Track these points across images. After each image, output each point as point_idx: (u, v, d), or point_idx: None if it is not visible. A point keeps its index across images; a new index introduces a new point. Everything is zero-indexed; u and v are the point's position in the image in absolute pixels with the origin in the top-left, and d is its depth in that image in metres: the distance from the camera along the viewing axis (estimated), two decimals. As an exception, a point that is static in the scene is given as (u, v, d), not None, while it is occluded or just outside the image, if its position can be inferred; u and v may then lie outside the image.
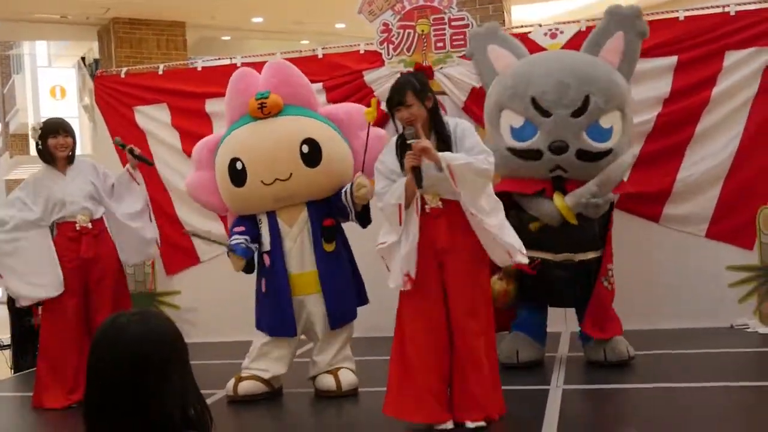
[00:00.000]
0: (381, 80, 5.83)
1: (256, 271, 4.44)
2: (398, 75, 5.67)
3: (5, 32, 14.55)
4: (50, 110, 17.85)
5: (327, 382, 4.25)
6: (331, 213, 4.27)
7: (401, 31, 5.78)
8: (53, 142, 4.47)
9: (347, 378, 4.26)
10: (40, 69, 18.55)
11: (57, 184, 4.50)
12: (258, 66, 6.15)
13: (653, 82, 5.43)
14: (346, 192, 4.18)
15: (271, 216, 4.29)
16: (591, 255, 4.45)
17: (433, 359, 3.50)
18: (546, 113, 4.38)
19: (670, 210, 5.48)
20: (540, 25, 5.67)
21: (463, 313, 3.51)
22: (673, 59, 5.42)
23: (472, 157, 3.43)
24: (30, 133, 4.61)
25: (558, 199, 4.36)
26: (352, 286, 4.38)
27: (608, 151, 4.39)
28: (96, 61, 13.99)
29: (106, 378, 1.57)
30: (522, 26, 5.90)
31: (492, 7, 6.92)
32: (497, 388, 3.60)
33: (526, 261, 3.62)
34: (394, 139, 3.65)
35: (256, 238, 4.32)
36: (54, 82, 18.10)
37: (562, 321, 5.25)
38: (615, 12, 4.64)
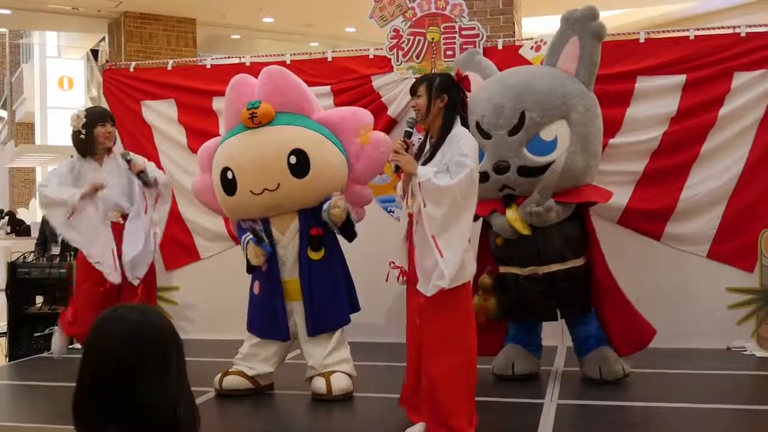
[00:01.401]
0: (389, 86, 5.84)
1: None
2: (407, 81, 5.76)
3: (17, 21, 14.57)
4: (57, 100, 17.93)
5: (319, 385, 4.25)
6: (320, 222, 4.27)
7: (411, 37, 5.79)
8: (101, 130, 4.33)
9: (339, 382, 4.25)
10: (49, 59, 18.60)
11: (94, 177, 4.40)
12: (267, 66, 6.20)
13: (661, 100, 5.44)
14: (324, 210, 4.19)
15: (265, 223, 4.33)
16: (555, 267, 4.42)
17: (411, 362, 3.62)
18: (487, 135, 4.44)
19: (672, 228, 5.47)
20: (531, 39, 5.69)
21: (430, 337, 3.49)
22: (682, 78, 5.42)
23: (439, 175, 3.46)
24: (71, 122, 4.36)
25: (510, 213, 4.40)
26: (339, 295, 4.36)
27: (548, 164, 4.34)
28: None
29: (101, 363, 1.57)
30: (531, 38, 5.90)
31: (503, 18, 6.91)
32: (464, 401, 3.50)
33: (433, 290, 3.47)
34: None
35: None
36: (62, 72, 18.18)
37: (558, 335, 5.25)
38: (568, 17, 4.55)
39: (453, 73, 3.81)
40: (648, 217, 5.45)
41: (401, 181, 3.65)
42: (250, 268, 4.37)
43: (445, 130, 3.61)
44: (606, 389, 4.36)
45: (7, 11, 12.63)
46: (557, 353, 5.22)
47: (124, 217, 4.44)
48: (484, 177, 4.35)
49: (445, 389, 3.42)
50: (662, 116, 5.43)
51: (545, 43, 5.37)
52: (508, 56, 5.54)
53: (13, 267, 6.48)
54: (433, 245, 3.40)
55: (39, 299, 6.50)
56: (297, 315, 4.35)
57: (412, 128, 3.71)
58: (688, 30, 5.61)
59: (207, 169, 4.52)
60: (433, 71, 5.66)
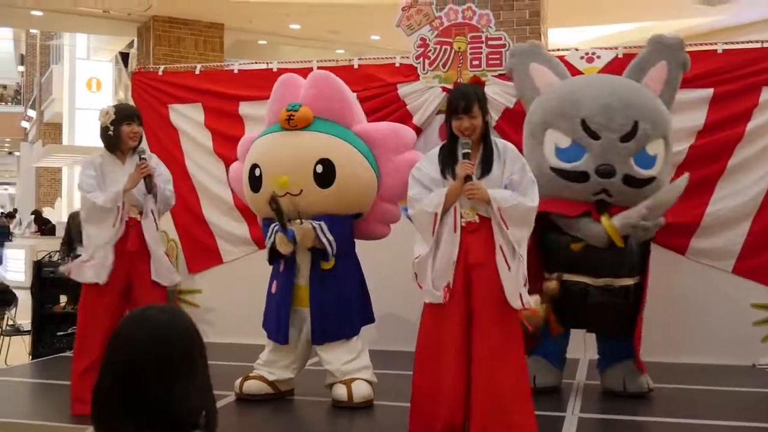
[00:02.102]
0: (414, 94, 5.85)
1: (271, 271, 4.48)
2: (433, 89, 5.77)
3: (49, 23, 14.77)
4: (85, 101, 18.10)
5: (339, 392, 4.25)
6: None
7: (438, 46, 5.80)
8: (127, 129, 4.30)
9: (360, 389, 4.24)
10: (78, 61, 18.79)
11: (116, 172, 4.35)
12: (297, 72, 6.24)
13: (688, 114, 5.39)
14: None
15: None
16: (628, 281, 4.41)
17: (445, 386, 3.46)
18: (595, 136, 4.35)
19: (698, 243, 5.43)
20: (576, 49, 5.66)
21: (487, 335, 3.44)
22: (709, 92, 5.38)
23: (520, 196, 3.44)
24: (99, 117, 4.34)
25: (605, 221, 4.30)
26: (348, 305, 4.34)
27: (652, 179, 4.38)
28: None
29: (127, 364, 1.57)
30: (558, 50, 5.89)
31: (529, 28, 6.92)
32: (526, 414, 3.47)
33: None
34: (437, 149, 3.65)
35: None
36: (91, 74, 18.36)
37: (580, 347, 5.21)
38: (659, 41, 4.65)
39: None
40: (673, 231, 5.38)
41: (443, 194, 3.50)
42: (272, 258, 4.36)
43: (488, 143, 3.55)
44: (629, 404, 4.33)
45: (39, 13, 12.81)
46: (579, 366, 5.19)
47: (142, 214, 4.37)
48: (583, 176, 4.33)
49: (515, 396, 3.40)
50: (689, 130, 5.39)
51: (598, 57, 5.36)
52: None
53: (38, 266, 6.56)
54: (520, 264, 3.42)
55: (63, 298, 6.56)
56: (306, 321, 4.35)
57: (470, 149, 3.53)
58: (716, 44, 5.56)
59: (243, 159, 4.57)
60: (458, 81, 5.67)
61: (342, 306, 4.31)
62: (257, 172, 4.33)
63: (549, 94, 4.62)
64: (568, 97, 4.50)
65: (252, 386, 4.39)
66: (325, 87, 4.37)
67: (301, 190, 4.21)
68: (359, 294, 4.43)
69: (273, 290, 4.43)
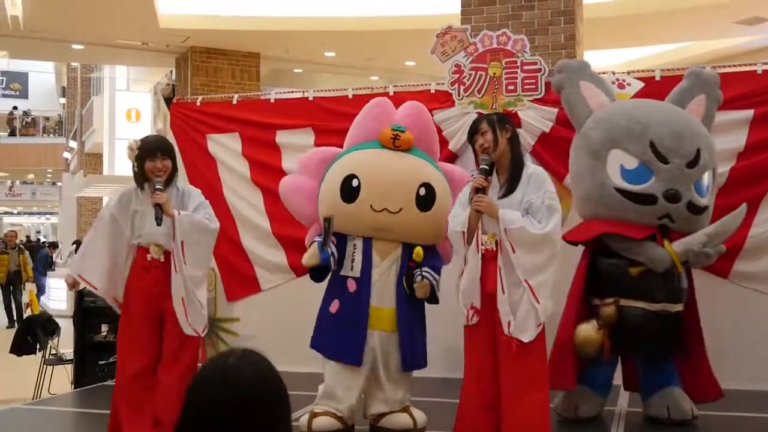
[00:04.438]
0: (450, 120, 5.85)
1: (326, 290, 4.40)
2: (468, 115, 5.76)
3: (90, 55, 15.12)
4: (125, 132, 18.41)
5: (403, 420, 4.25)
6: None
7: (473, 72, 5.80)
8: (150, 165, 4.14)
9: (420, 416, 4.30)
10: (118, 92, 19.16)
11: (143, 208, 4.21)
12: (329, 100, 6.28)
13: (728, 135, 5.32)
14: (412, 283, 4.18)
15: (367, 244, 4.28)
16: (679, 307, 4.38)
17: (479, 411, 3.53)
18: (665, 160, 4.33)
19: (741, 266, 5.33)
20: (613, 72, 5.62)
21: (511, 368, 3.49)
22: (749, 113, 5.31)
23: (530, 221, 3.44)
24: (127, 152, 4.26)
25: (669, 246, 4.28)
26: (424, 334, 4.36)
27: (706, 207, 4.43)
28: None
29: (209, 420, 1.50)
30: (604, 71, 5.86)
31: (565, 52, 6.89)
32: None
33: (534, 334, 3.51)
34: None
35: (340, 257, 4.28)
36: (130, 105, 18.70)
37: (620, 374, 5.12)
38: (699, 75, 4.69)
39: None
40: (715, 254, 5.31)
41: (467, 214, 3.59)
42: (316, 276, 4.31)
43: (517, 165, 3.59)
44: (672, 432, 4.24)
45: (80, 46, 13.10)
46: (620, 393, 5.09)
47: (166, 255, 4.16)
48: (651, 199, 4.32)
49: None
50: (730, 152, 5.31)
51: (629, 84, 5.32)
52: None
53: (80, 295, 6.65)
54: (528, 291, 3.41)
55: (104, 327, 6.63)
56: (383, 346, 4.22)
57: (490, 167, 3.62)
58: (755, 64, 5.49)
59: (312, 173, 4.50)
60: (494, 106, 5.66)
61: (422, 333, 4.33)
62: (355, 182, 4.26)
63: (613, 114, 4.56)
64: (636, 117, 4.49)
65: (322, 423, 4.19)
66: (422, 117, 4.51)
67: (401, 209, 4.24)
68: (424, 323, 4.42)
69: (333, 310, 4.30)
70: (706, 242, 4.24)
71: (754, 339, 5.26)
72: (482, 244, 3.52)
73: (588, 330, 4.22)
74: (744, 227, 5.28)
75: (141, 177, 4.22)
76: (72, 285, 4.38)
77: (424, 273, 4.14)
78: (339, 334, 4.25)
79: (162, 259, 4.18)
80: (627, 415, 4.64)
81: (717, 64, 5.92)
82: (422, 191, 4.24)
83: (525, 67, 5.70)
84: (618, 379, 5.09)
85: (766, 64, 5.47)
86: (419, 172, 4.31)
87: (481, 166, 3.60)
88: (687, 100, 4.63)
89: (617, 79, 5.46)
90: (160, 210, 4.04)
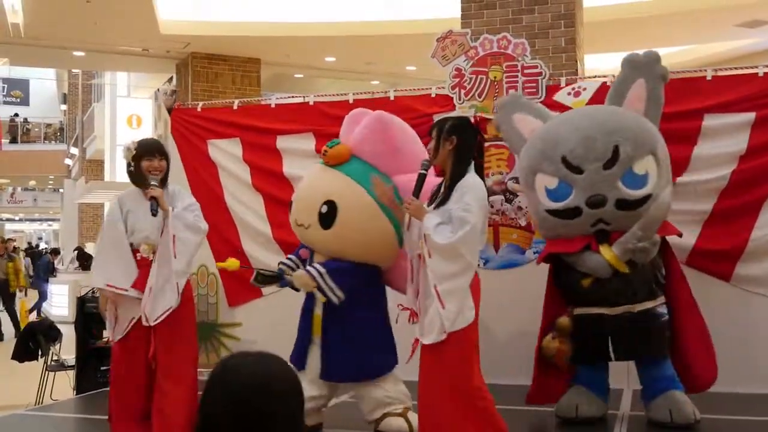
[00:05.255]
0: (451, 124, 5.84)
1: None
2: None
3: (91, 62, 15.15)
4: (126, 138, 18.43)
5: (397, 424, 4.23)
6: None
7: (474, 76, 5.81)
8: (147, 164, 4.28)
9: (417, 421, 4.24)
10: (119, 98, 19.19)
11: (135, 207, 4.33)
12: (330, 105, 6.27)
13: (729, 138, 5.32)
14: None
15: (312, 256, 4.46)
16: (649, 304, 4.37)
17: None
18: (578, 170, 4.37)
19: (742, 269, 5.31)
20: (568, 86, 5.64)
21: (430, 386, 3.58)
22: (751, 115, 5.29)
23: (439, 230, 3.51)
24: (124, 152, 4.38)
25: (605, 251, 4.31)
26: (369, 345, 4.29)
27: (647, 197, 4.34)
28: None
29: (223, 423, 1.54)
30: (595, 76, 5.87)
31: (565, 56, 6.90)
32: None
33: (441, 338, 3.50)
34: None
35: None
36: (131, 111, 18.70)
37: (624, 377, 5.12)
38: (632, 60, 4.61)
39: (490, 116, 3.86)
40: (717, 257, 5.30)
41: (408, 216, 3.71)
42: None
43: (456, 174, 3.63)
44: (675, 435, 4.22)
45: (81, 53, 13.13)
46: (623, 396, 5.09)
47: (155, 253, 4.26)
48: (575, 212, 4.35)
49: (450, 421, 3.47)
50: (731, 154, 5.30)
51: (585, 89, 5.38)
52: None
53: (81, 301, 6.64)
54: (434, 295, 3.43)
55: (106, 333, 6.63)
56: (320, 351, 4.35)
57: (426, 170, 3.74)
58: (756, 66, 5.49)
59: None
60: (495, 110, 5.66)
61: (354, 342, 4.26)
62: (293, 197, 4.58)
63: (533, 140, 4.65)
64: (548, 137, 4.54)
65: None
66: (379, 131, 4.36)
67: (309, 225, 4.34)
68: (382, 335, 4.36)
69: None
70: (640, 236, 4.23)
71: (756, 342, 5.24)
72: (419, 248, 3.59)
73: (547, 341, 4.41)
74: (746, 230, 5.28)
75: (138, 175, 4.34)
76: (105, 304, 4.32)
77: (308, 267, 4.29)
78: (297, 340, 4.48)
79: (151, 258, 4.27)
80: (630, 418, 4.63)
81: (718, 67, 5.92)
82: (324, 209, 4.26)
83: (525, 71, 5.71)
84: (620, 382, 5.11)
85: (767, 66, 5.47)
86: (326, 188, 4.32)
87: (419, 171, 3.70)
88: (626, 89, 4.56)
89: (573, 89, 5.53)
90: (155, 203, 4.18)
